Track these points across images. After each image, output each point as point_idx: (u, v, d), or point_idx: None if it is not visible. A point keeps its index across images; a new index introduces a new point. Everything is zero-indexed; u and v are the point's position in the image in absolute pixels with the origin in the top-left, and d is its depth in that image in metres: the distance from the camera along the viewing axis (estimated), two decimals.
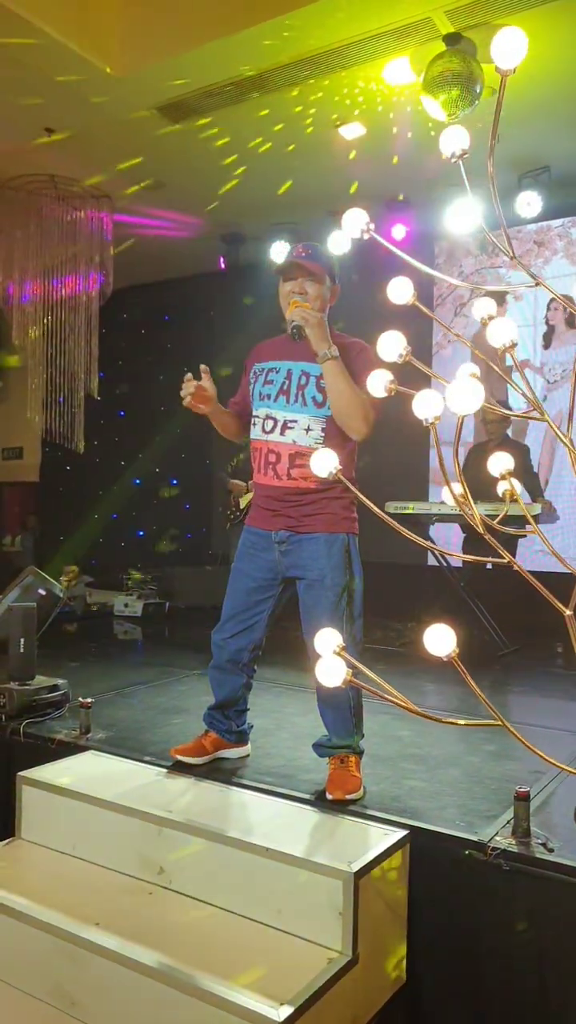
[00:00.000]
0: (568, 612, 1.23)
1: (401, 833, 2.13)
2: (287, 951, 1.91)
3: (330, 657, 1.20)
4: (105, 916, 2.04)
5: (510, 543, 4.72)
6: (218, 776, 2.51)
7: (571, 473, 5.72)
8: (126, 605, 6.15)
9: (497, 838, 2.06)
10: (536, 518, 4.03)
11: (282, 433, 2.42)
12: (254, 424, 2.49)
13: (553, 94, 4.42)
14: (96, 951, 1.93)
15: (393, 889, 2.08)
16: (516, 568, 1.32)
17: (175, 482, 7.89)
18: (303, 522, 2.42)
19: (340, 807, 2.28)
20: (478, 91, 3.80)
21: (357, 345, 2.44)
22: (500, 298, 5.77)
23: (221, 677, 2.58)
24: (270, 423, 2.44)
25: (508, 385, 5.15)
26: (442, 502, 4.89)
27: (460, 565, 4.99)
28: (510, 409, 1.54)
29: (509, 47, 1.14)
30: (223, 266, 6.63)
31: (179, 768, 2.54)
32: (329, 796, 2.31)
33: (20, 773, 2.55)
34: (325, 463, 1.32)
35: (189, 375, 2.48)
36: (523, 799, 2.07)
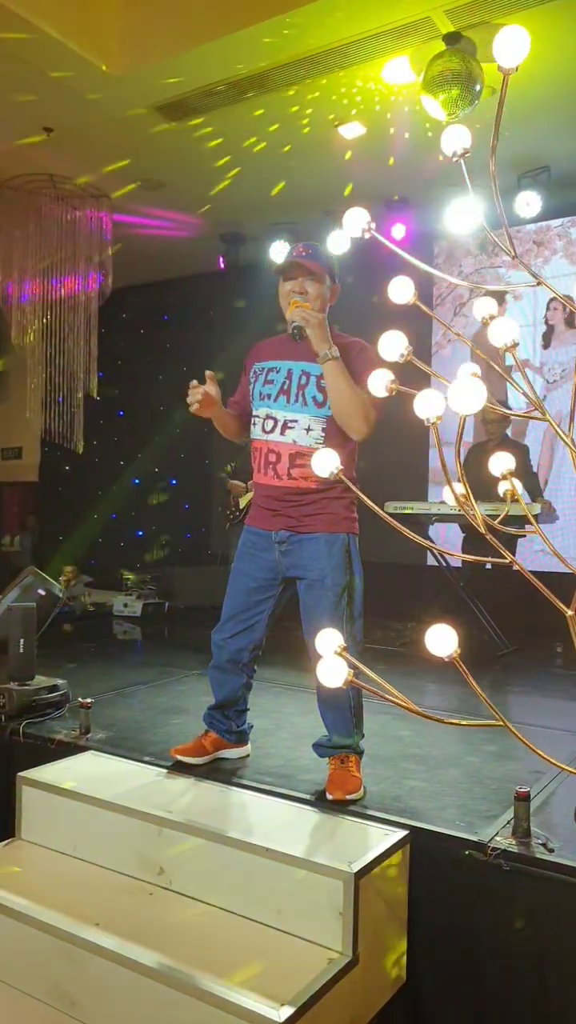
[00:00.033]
0: (570, 612, 1.23)
1: (401, 833, 2.13)
2: (287, 951, 1.91)
3: (331, 657, 1.19)
4: (105, 916, 2.03)
5: (509, 543, 4.71)
6: (218, 776, 2.51)
7: (570, 473, 5.72)
8: (125, 605, 6.14)
9: (497, 838, 2.06)
10: (536, 518, 4.02)
11: (282, 433, 2.41)
12: (254, 424, 2.49)
13: (553, 94, 4.42)
14: (96, 951, 1.92)
15: (393, 889, 2.07)
16: (518, 568, 1.31)
17: (174, 482, 7.89)
18: (303, 522, 2.42)
19: (340, 807, 2.28)
20: (478, 90, 3.79)
21: (357, 344, 2.44)
22: (500, 298, 5.78)
23: (221, 677, 2.57)
24: (270, 423, 2.43)
25: (507, 385, 5.16)
26: (442, 502, 4.88)
27: (459, 565, 4.99)
28: (510, 409, 1.53)
29: (512, 45, 1.14)
30: (222, 266, 6.62)
31: (179, 768, 2.54)
32: (329, 796, 2.31)
33: (20, 773, 2.55)
34: (327, 463, 1.32)
35: (194, 382, 2.46)
36: (523, 799, 2.07)
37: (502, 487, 1.52)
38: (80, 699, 2.94)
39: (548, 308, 5.88)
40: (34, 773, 2.54)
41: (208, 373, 2.47)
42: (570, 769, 1.45)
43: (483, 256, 6.20)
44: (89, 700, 2.92)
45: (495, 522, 1.38)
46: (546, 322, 5.90)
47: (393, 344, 1.32)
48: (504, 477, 1.46)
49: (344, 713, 2.41)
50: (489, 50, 3.80)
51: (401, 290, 1.38)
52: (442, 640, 1.16)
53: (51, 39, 3.95)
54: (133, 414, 7.92)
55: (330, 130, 4.83)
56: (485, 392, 1.16)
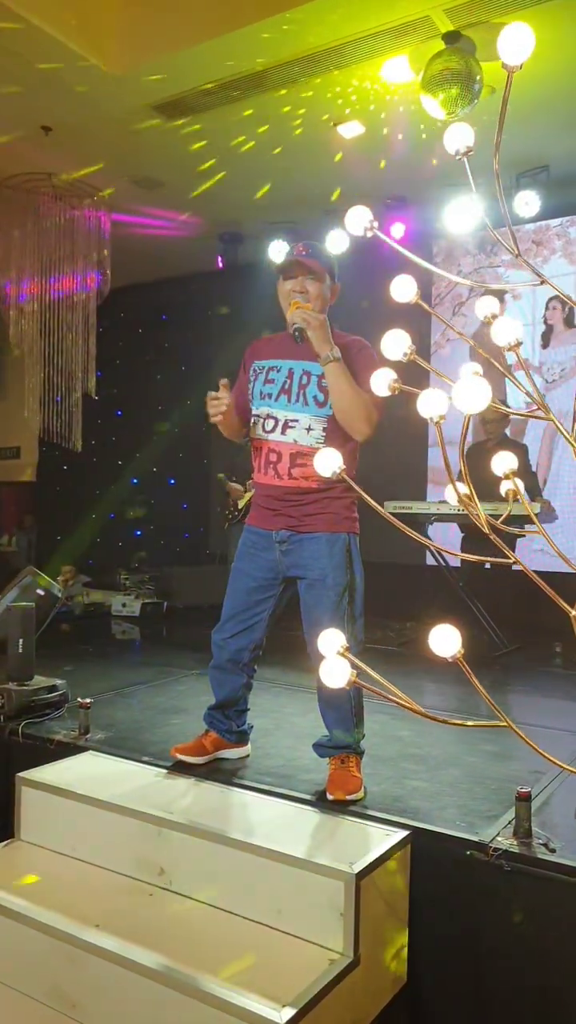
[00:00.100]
0: (573, 612, 1.22)
1: (402, 834, 2.12)
2: (288, 952, 1.91)
3: (334, 658, 1.19)
4: (105, 917, 2.03)
5: (508, 543, 4.71)
6: (218, 777, 2.50)
7: (569, 473, 5.72)
8: (124, 605, 6.14)
9: (498, 838, 2.05)
10: (536, 518, 4.02)
11: (283, 433, 2.41)
12: (254, 423, 2.48)
13: (552, 93, 4.42)
14: (96, 952, 1.92)
15: (394, 890, 2.07)
16: (521, 569, 1.31)
17: (172, 482, 7.88)
18: (304, 521, 2.41)
19: (341, 807, 2.27)
20: (477, 90, 3.79)
21: (357, 343, 2.43)
22: (499, 298, 5.77)
23: (221, 677, 2.57)
24: (271, 423, 2.43)
25: (507, 384, 5.15)
26: (442, 501, 4.88)
27: (459, 565, 4.99)
28: (509, 408, 1.53)
29: (517, 43, 1.13)
30: (221, 265, 6.62)
31: (179, 769, 2.54)
32: (330, 796, 2.31)
33: (19, 774, 2.54)
34: (329, 462, 1.31)
35: (213, 393, 2.44)
36: (524, 799, 2.07)
37: (504, 486, 1.51)
38: (79, 699, 2.94)
39: (547, 308, 5.88)
40: (33, 773, 2.54)
41: (223, 382, 2.45)
42: (572, 769, 1.44)
43: (482, 256, 6.20)
44: (88, 700, 2.92)
45: (498, 522, 1.38)
46: (545, 322, 5.90)
47: (396, 343, 1.32)
48: (507, 476, 1.46)
49: (345, 713, 2.41)
50: (488, 49, 3.83)
51: (403, 289, 1.37)
52: (446, 640, 1.15)
53: (50, 38, 3.94)
54: (131, 414, 7.92)
55: (328, 129, 4.83)
56: (490, 391, 1.15)
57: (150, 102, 4.55)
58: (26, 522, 9.08)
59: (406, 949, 2.11)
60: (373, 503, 1.39)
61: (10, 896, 2.14)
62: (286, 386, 2.42)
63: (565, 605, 1.23)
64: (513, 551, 1.41)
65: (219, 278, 7.05)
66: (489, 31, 3.75)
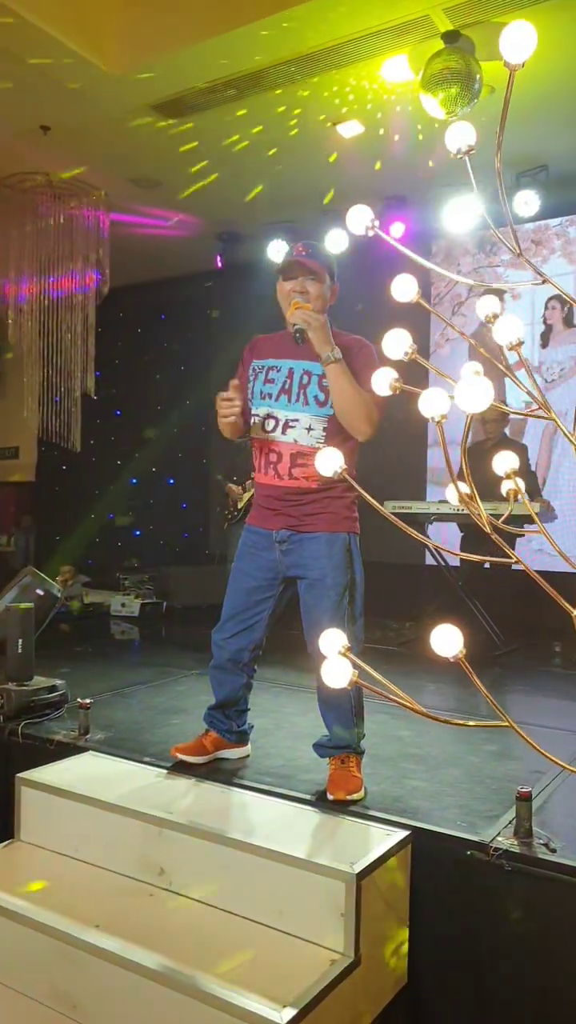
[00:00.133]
0: (575, 612, 1.22)
1: (403, 834, 2.12)
2: (289, 953, 1.90)
3: (335, 658, 1.19)
4: (105, 918, 2.02)
5: (507, 543, 4.71)
6: (218, 777, 2.50)
7: (568, 473, 5.72)
8: (123, 605, 6.13)
9: (499, 838, 2.05)
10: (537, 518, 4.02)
11: (283, 432, 2.40)
12: (254, 423, 2.48)
13: (551, 93, 4.41)
14: (96, 953, 1.92)
15: (395, 890, 2.07)
16: (521, 568, 1.31)
17: (171, 481, 7.88)
18: (304, 521, 2.41)
19: (341, 807, 2.27)
20: (477, 89, 3.79)
21: (357, 343, 2.43)
22: (498, 297, 5.77)
23: (221, 677, 2.57)
24: (271, 422, 2.42)
25: (506, 384, 5.15)
26: (441, 501, 4.88)
27: (458, 564, 4.99)
28: (509, 408, 1.52)
29: (518, 41, 1.13)
30: (220, 265, 6.61)
31: (179, 769, 2.53)
32: (330, 796, 2.31)
33: (19, 775, 2.54)
34: (330, 462, 1.31)
35: (225, 394, 2.41)
36: (525, 799, 2.07)
37: (505, 486, 1.51)
38: (79, 699, 2.93)
39: (546, 307, 5.88)
40: (33, 774, 2.53)
41: (233, 383, 2.43)
42: (573, 769, 1.44)
43: (481, 255, 6.20)
44: (88, 700, 2.91)
45: (499, 521, 1.38)
46: (544, 321, 5.90)
47: (397, 342, 1.31)
48: (508, 476, 1.45)
49: (345, 713, 2.40)
50: (487, 49, 3.83)
51: (404, 288, 1.37)
52: (447, 640, 1.15)
53: (49, 37, 3.93)
54: (130, 413, 7.91)
55: (327, 128, 4.83)
56: (492, 391, 1.15)
57: (149, 101, 4.54)
58: (24, 522, 9.07)
59: (406, 949, 2.11)
60: (373, 502, 1.39)
61: (10, 897, 2.13)
62: (286, 386, 2.42)
63: (567, 605, 1.22)
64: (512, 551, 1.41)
65: (218, 278, 7.04)
66: (489, 30, 3.75)
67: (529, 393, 1.31)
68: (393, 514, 1.36)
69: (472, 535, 4.95)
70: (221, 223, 6.34)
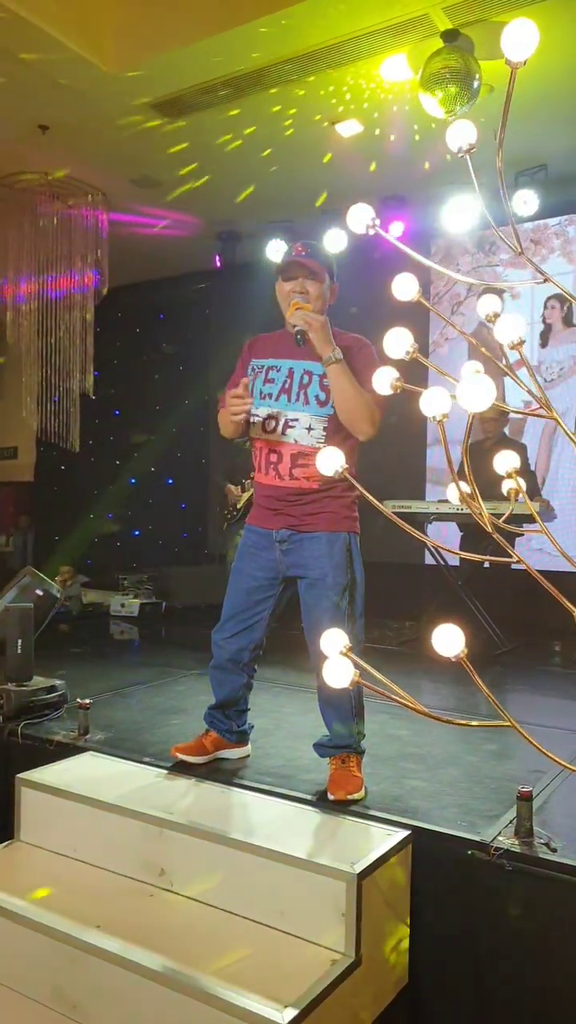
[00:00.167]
0: None
1: (403, 833, 2.12)
2: (290, 953, 1.90)
3: (337, 658, 1.18)
4: (106, 919, 2.02)
5: (507, 542, 4.71)
6: (218, 777, 2.49)
7: (567, 472, 5.71)
8: (122, 605, 6.13)
9: (500, 838, 2.05)
10: (538, 517, 4.02)
11: (283, 432, 2.40)
12: (254, 423, 2.47)
13: (550, 92, 4.41)
14: (97, 954, 1.91)
15: (395, 890, 2.07)
16: (520, 568, 1.30)
17: (170, 481, 7.87)
18: (305, 521, 2.41)
19: (341, 807, 2.27)
20: (476, 88, 3.78)
21: (358, 342, 2.42)
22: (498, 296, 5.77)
23: (221, 677, 2.56)
24: (272, 423, 2.42)
25: (505, 383, 5.15)
26: (441, 501, 4.88)
27: (457, 564, 4.99)
28: (508, 407, 1.52)
29: (520, 39, 1.13)
30: (219, 264, 6.61)
31: (179, 769, 2.53)
32: (331, 796, 2.30)
33: (19, 775, 2.53)
34: (331, 461, 1.30)
35: (234, 391, 2.38)
36: (526, 799, 2.06)
37: (506, 485, 1.51)
38: (78, 700, 2.93)
39: (545, 307, 5.88)
40: (33, 775, 2.53)
41: (244, 380, 2.41)
42: (574, 768, 1.44)
43: (480, 255, 6.20)
44: (88, 701, 2.91)
45: (500, 521, 1.37)
46: (543, 321, 5.90)
47: (398, 341, 1.31)
48: (509, 476, 1.45)
49: (345, 713, 2.40)
50: (487, 47, 3.82)
51: (405, 287, 1.36)
52: (449, 640, 1.15)
53: (48, 36, 3.93)
54: (129, 413, 7.90)
55: (326, 128, 4.83)
56: (495, 390, 1.14)
57: (147, 101, 4.54)
58: (23, 522, 9.06)
59: (407, 949, 2.11)
60: (374, 501, 1.39)
61: (10, 898, 2.13)
62: (286, 385, 2.41)
63: (569, 605, 1.22)
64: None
65: (217, 277, 7.04)
66: (488, 29, 3.75)
67: (530, 392, 1.31)
68: (393, 514, 1.36)
69: (472, 535, 4.95)
70: (220, 223, 6.34)
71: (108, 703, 3.36)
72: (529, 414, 1.26)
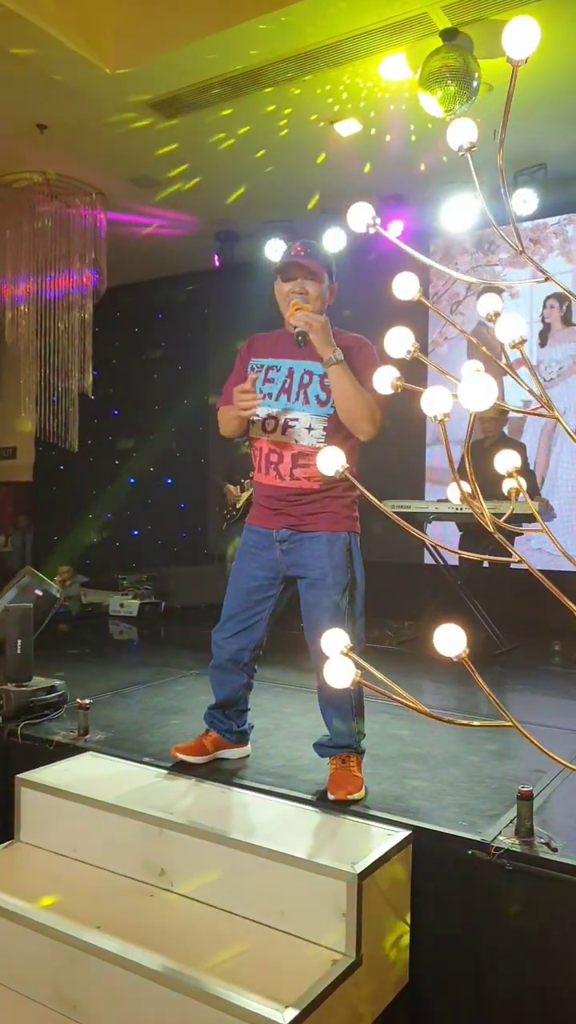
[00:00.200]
0: None
1: (404, 833, 2.12)
2: (290, 953, 1.90)
3: (338, 658, 1.18)
4: (106, 919, 2.02)
5: (507, 541, 4.71)
6: (218, 777, 2.49)
7: (566, 471, 5.71)
8: (122, 605, 6.12)
9: (500, 838, 2.05)
10: (533, 516, 4.02)
11: (283, 432, 2.40)
12: (253, 422, 2.47)
13: (549, 91, 4.41)
14: (98, 954, 1.91)
15: (396, 889, 2.06)
16: (527, 567, 1.30)
17: (169, 481, 7.87)
18: (305, 521, 2.40)
19: (342, 807, 2.27)
20: (475, 87, 3.78)
21: (358, 342, 2.42)
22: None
23: (222, 677, 2.56)
24: (271, 422, 2.41)
25: (505, 382, 5.15)
26: (441, 500, 4.88)
27: (456, 564, 4.99)
28: (508, 406, 1.51)
29: (522, 37, 1.13)
30: (218, 263, 6.60)
31: (179, 769, 2.53)
32: (331, 796, 2.30)
33: (19, 775, 2.53)
34: (332, 461, 1.30)
35: (242, 386, 2.36)
36: (527, 799, 2.06)
37: (507, 485, 1.51)
38: (78, 700, 2.93)
39: (544, 306, 5.88)
40: (33, 775, 2.53)
41: (252, 376, 2.40)
42: (574, 768, 1.43)
43: (479, 254, 6.20)
44: (87, 701, 2.91)
45: (501, 520, 1.37)
46: (542, 320, 5.90)
47: (399, 340, 1.31)
48: (510, 475, 1.45)
49: (346, 713, 2.40)
50: (486, 46, 3.82)
51: (406, 286, 1.36)
52: (451, 640, 1.14)
53: (45, 35, 3.92)
54: (128, 413, 7.90)
55: (324, 127, 4.82)
56: (496, 389, 1.14)
57: (146, 100, 4.53)
58: (21, 522, 9.05)
59: (408, 948, 2.11)
60: (375, 501, 1.38)
61: (11, 898, 2.12)
62: (286, 385, 2.41)
63: (572, 605, 1.22)
64: (510, 551, 1.41)
65: (216, 277, 7.03)
66: (487, 28, 3.74)
67: (531, 392, 1.31)
68: (394, 514, 1.36)
69: (471, 534, 4.95)
70: (218, 222, 6.33)
71: (108, 703, 3.36)
72: (531, 413, 1.26)
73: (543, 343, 5.89)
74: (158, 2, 4.04)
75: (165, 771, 2.54)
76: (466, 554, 1.49)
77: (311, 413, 2.38)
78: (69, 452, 6.29)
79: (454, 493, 1.47)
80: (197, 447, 7.54)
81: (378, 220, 1.35)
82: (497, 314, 1.37)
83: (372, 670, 1.20)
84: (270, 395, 2.42)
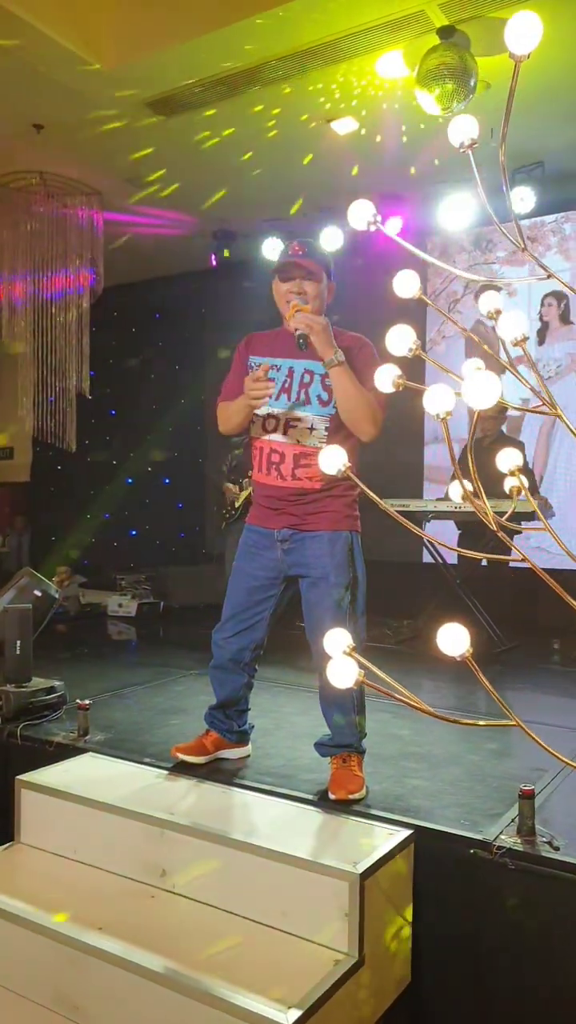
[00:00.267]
0: None
1: (405, 833, 2.11)
2: (293, 953, 1.90)
3: (341, 658, 1.18)
4: (107, 920, 2.01)
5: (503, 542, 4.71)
6: (219, 777, 2.49)
7: (565, 470, 5.70)
8: (120, 605, 6.11)
9: (502, 837, 2.04)
10: (533, 515, 4.03)
11: (285, 432, 2.39)
12: (253, 421, 2.46)
13: (548, 89, 4.40)
14: (99, 956, 1.90)
15: (398, 889, 2.06)
16: (530, 566, 1.30)
17: (167, 481, 7.85)
18: (306, 520, 2.40)
19: (343, 807, 2.26)
20: (472, 85, 3.77)
21: (358, 342, 2.41)
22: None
23: (222, 677, 2.55)
24: (272, 422, 2.41)
25: (503, 381, 5.14)
26: (439, 499, 4.87)
27: (456, 563, 4.98)
28: (507, 405, 1.50)
29: (524, 32, 1.12)
30: (214, 263, 6.59)
31: (180, 769, 2.52)
32: (332, 796, 2.30)
33: (19, 777, 2.52)
34: (334, 460, 1.30)
35: (255, 373, 2.34)
36: (528, 797, 2.06)
37: (509, 483, 1.50)
38: (78, 700, 2.92)
39: (543, 304, 5.88)
40: (33, 776, 2.52)
41: (264, 365, 2.38)
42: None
43: (477, 252, 6.19)
44: (87, 701, 2.90)
45: (503, 519, 1.37)
46: (540, 318, 5.89)
47: (400, 339, 1.30)
48: (512, 473, 1.44)
49: (347, 712, 2.39)
50: (483, 44, 3.81)
51: (407, 284, 1.36)
52: (454, 639, 1.14)
53: (41, 35, 3.91)
54: (125, 413, 7.89)
55: (321, 126, 4.81)
56: (500, 387, 1.14)
57: (143, 99, 4.52)
58: (18, 523, 9.03)
59: (410, 948, 2.10)
60: (376, 499, 1.38)
61: (12, 900, 2.12)
62: (286, 385, 2.40)
63: (574, 603, 1.22)
64: (510, 549, 1.40)
65: (213, 276, 7.02)
66: (484, 26, 3.73)
67: (533, 390, 1.30)
68: (395, 512, 1.35)
69: (470, 533, 4.94)
70: (215, 221, 6.31)
71: (107, 704, 3.35)
72: (533, 411, 1.26)
73: (541, 341, 5.89)
74: (154, 1, 4.03)
75: (166, 771, 2.53)
76: (467, 552, 1.48)
77: (313, 413, 2.37)
78: (66, 452, 6.28)
79: (456, 491, 1.46)
80: (195, 447, 7.53)
81: (379, 218, 1.34)
82: (499, 311, 1.37)
83: (375, 670, 1.20)
84: (270, 395, 2.40)
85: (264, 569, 2.46)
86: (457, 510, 4.57)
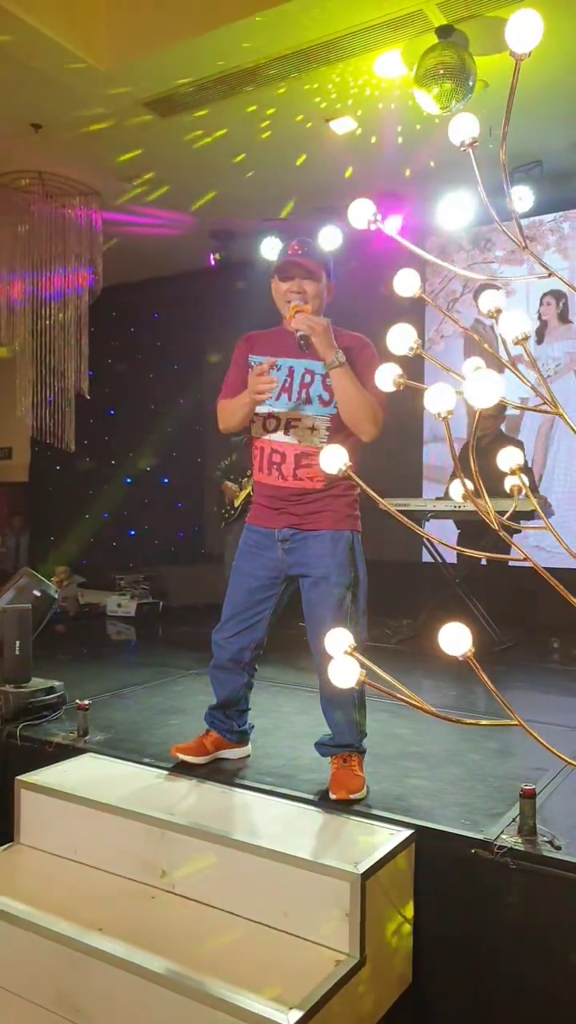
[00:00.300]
0: None
1: (406, 833, 2.11)
2: (294, 954, 1.89)
3: (342, 657, 1.17)
4: (108, 921, 2.01)
5: (501, 541, 4.71)
6: (219, 777, 2.48)
7: (563, 469, 5.70)
8: (119, 605, 6.11)
9: (503, 836, 2.04)
10: (532, 514, 4.03)
11: (286, 432, 2.38)
12: (254, 421, 2.45)
13: (546, 88, 4.40)
14: (100, 957, 1.90)
15: (399, 889, 2.06)
16: (532, 565, 1.30)
17: (166, 481, 7.85)
18: (307, 520, 2.39)
19: (344, 807, 2.26)
20: (471, 84, 3.77)
21: (358, 342, 2.41)
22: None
23: (222, 676, 2.55)
24: (272, 422, 2.40)
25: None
26: (439, 498, 4.87)
27: (455, 562, 4.98)
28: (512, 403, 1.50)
29: (525, 30, 1.12)
30: (213, 262, 6.59)
31: (180, 770, 2.52)
32: (332, 796, 2.29)
33: (18, 777, 2.52)
34: (335, 459, 1.29)
35: (261, 366, 2.33)
36: (529, 797, 2.06)
37: (509, 481, 1.50)
38: (77, 701, 2.91)
39: (541, 303, 5.88)
40: (32, 777, 2.52)
41: (270, 360, 2.36)
42: None
43: (475, 251, 6.19)
44: (87, 702, 2.90)
45: (504, 518, 1.37)
46: (539, 317, 5.89)
47: (401, 338, 1.30)
48: (513, 472, 1.44)
49: (348, 712, 2.39)
50: (482, 43, 3.80)
51: (407, 283, 1.35)
52: (456, 639, 1.14)
53: (39, 34, 3.90)
54: (124, 413, 7.88)
55: (322, 125, 4.81)
56: (502, 385, 1.14)
57: (141, 98, 4.52)
58: (17, 523, 9.03)
59: (411, 948, 2.10)
60: (377, 498, 1.38)
61: (12, 901, 2.11)
62: (287, 384, 2.40)
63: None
64: (509, 548, 1.40)
65: (211, 276, 7.01)
66: (483, 25, 3.73)
67: (534, 388, 1.30)
68: (396, 511, 1.35)
69: (469, 532, 4.95)
70: (214, 221, 6.31)
71: (107, 704, 3.35)
72: (535, 410, 1.26)
73: (540, 340, 5.89)
74: (152, 1, 4.02)
75: (165, 772, 2.53)
76: (468, 551, 1.48)
77: (314, 413, 2.37)
78: (65, 452, 6.28)
79: (456, 490, 1.46)
80: (194, 446, 7.52)
81: (379, 217, 1.34)
82: (499, 310, 1.37)
83: (377, 669, 1.20)
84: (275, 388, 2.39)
85: (265, 569, 2.46)
86: (457, 509, 4.57)
